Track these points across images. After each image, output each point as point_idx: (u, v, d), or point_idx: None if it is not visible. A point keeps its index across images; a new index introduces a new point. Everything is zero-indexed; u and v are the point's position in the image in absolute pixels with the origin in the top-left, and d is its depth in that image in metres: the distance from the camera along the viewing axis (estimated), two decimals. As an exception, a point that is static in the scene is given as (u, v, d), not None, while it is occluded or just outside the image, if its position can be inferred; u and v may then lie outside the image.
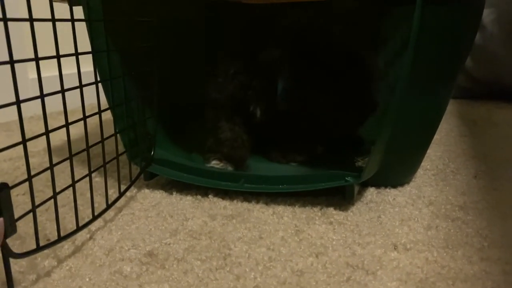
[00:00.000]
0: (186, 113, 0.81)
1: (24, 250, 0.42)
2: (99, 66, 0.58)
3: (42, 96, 0.42)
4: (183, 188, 0.65)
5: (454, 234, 0.51)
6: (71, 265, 0.46)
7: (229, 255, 0.47)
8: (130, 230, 0.54)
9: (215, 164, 0.69)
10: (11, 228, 0.39)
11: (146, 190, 0.66)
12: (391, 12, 0.75)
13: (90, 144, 0.51)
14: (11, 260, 0.40)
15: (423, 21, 0.51)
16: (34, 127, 0.99)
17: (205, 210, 0.59)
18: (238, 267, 0.45)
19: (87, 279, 0.44)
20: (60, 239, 0.46)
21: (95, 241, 0.51)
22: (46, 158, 0.83)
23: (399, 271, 0.44)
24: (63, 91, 0.45)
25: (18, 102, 0.38)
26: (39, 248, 0.43)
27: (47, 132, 0.43)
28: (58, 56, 0.44)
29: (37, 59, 0.41)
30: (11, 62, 0.37)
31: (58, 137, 0.80)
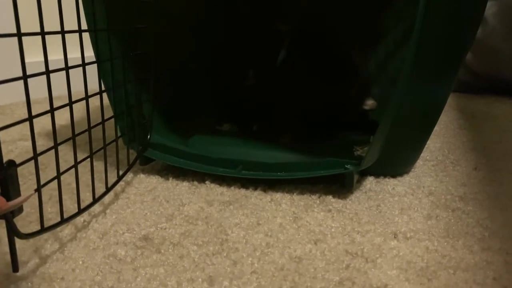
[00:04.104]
0: (183, 98, 0.80)
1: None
2: (97, 48, 0.57)
3: (47, 72, 0.41)
4: (180, 173, 0.64)
5: (455, 224, 0.50)
6: (64, 248, 0.45)
7: (226, 240, 0.47)
8: (125, 214, 0.53)
9: (226, 127, 0.74)
10: (18, 208, 0.37)
11: (142, 175, 0.64)
12: (392, 2, 0.74)
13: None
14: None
15: (428, 5, 0.49)
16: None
17: (202, 196, 0.58)
18: (235, 253, 0.44)
19: (80, 262, 0.43)
20: (63, 221, 0.45)
21: (89, 225, 0.50)
22: (40, 142, 0.82)
23: (399, 259, 0.43)
24: (67, 68, 0.44)
25: (25, 77, 0.37)
26: (43, 229, 0.42)
27: (52, 110, 0.42)
28: (62, 32, 0.43)
29: (43, 33, 0.40)
30: (19, 35, 0.36)
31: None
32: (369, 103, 0.66)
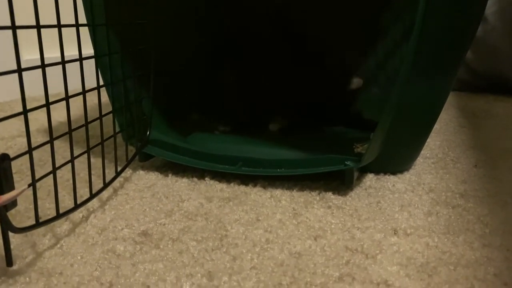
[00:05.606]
0: (183, 95, 0.79)
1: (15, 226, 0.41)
2: (95, 42, 0.56)
3: (43, 66, 0.40)
4: (179, 170, 0.64)
5: (455, 220, 0.50)
6: (62, 243, 0.45)
7: (226, 236, 0.46)
8: (124, 210, 0.52)
9: (222, 130, 0.75)
10: (11, 202, 0.37)
11: (141, 172, 0.64)
12: (392, 1, 0.74)
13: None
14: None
15: (428, 3, 0.49)
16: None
17: (201, 192, 0.57)
18: (234, 248, 0.44)
19: (79, 257, 0.42)
20: (59, 216, 0.45)
21: (88, 220, 0.50)
22: (39, 138, 0.82)
23: (399, 255, 0.43)
24: (63, 62, 0.44)
25: (19, 70, 0.37)
26: (38, 224, 0.42)
27: (47, 104, 0.42)
28: (59, 26, 0.43)
29: (38, 26, 0.39)
30: (13, 27, 0.36)
31: (52, 118, 0.79)
32: (355, 81, 0.65)
